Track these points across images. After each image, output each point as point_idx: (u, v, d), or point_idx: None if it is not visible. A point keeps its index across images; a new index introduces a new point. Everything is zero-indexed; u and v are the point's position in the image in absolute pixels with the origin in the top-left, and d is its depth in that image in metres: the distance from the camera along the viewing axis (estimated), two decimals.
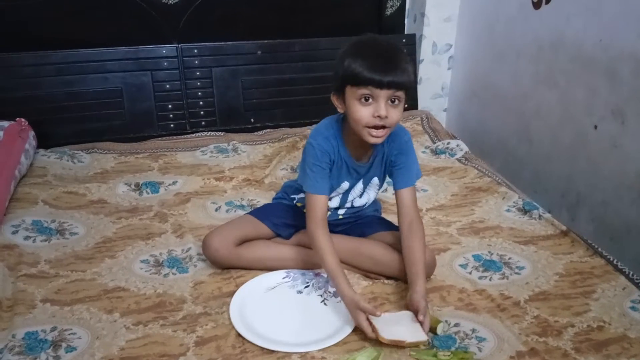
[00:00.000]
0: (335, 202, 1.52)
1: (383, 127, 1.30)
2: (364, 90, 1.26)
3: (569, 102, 1.99)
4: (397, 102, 1.28)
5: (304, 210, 1.53)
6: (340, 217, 1.55)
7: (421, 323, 1.22)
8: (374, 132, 1.30)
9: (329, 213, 1.52)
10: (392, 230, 1.51)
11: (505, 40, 2.29)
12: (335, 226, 1.54)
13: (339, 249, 1.43)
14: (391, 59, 1.27)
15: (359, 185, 1.49)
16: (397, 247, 1.42)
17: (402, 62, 1.28)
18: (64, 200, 1.79)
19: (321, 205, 1.38)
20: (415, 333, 1.21)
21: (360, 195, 1.52)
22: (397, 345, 1.18)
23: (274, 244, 1.50)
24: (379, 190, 1.54)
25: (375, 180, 1.49)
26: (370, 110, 1.27)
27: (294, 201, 1.59)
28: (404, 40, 2.53)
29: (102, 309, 1.31)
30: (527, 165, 2.24)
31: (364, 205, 1.54)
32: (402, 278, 1.41)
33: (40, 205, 1.73)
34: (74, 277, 1.43)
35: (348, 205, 1.53)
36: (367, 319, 1.21)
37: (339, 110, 1.36)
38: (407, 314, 1.27)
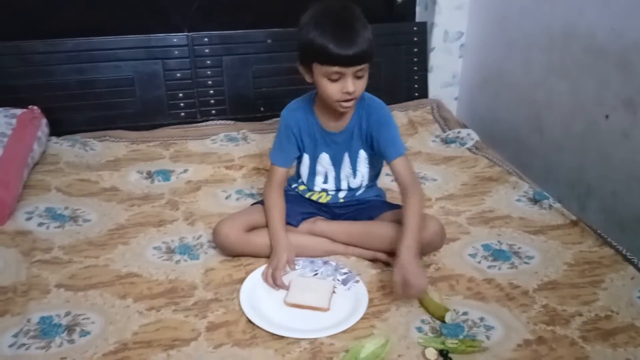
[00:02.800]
0: (331, 184, 1.55)
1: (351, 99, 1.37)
2: (333, 69, 1.32)
3: (581, 92, 1.97)
4: (362, 74, 1.35)
5: (306, 196, 1.56)
6: (342, 200, 1.57)
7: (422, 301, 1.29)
8: (344, 104, 1.38)
9: (330, 197, 1.57)
10: (398, 209, 1.52)
11: (517, 29, 2.27)
12: (340, 208, 1.57)
13: (349, 232, 1.47)
14: (353, 33, 1.30)
15: (346, 158, 1.51)
16: None
17: (363, 33, 1.31)
18: (77, 187, 1.81)
19: (278, 175, 1.52)
20: (319, 299, 1.31)
21: (354, 174, 1.53)
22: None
23: None
24: (369, 166, 1.54)
25: (363, 153, 1.51)
26: (339, 87, 1.34)
27: (295, 189, 1.61)
28: (414, 28, 2.52)
29: (115, 295, 1.33)
30: (537, 155, 2.23)
31: (360, 186, 1.56)
32: None
33: (53, 192, 1.75)
34: (87, 263, 1.45)
35: (344, 186, 1.55)
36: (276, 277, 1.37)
37: (306, 79, 1.41)
38: (327, 284, 1.37)
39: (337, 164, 1.53)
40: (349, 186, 1.56)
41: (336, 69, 1.31)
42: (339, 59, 1.30)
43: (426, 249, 1.46)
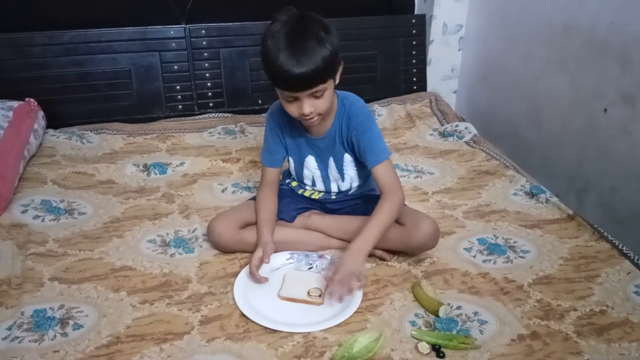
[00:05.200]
0: (320, 186, 1.55)
1: (313, 117, 1.33)
2: (287, 94, 1.29)
3: (580, 86, 1.96)
4: (320, 94, 1.29)
5: (299, 192, 1.56)
6: (334, 197, 1.56)
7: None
8: (307, 122, 1.36)
9: (321, 194, 1.56)
10: None
11: (517, 22, 2.26)
12: (333, 204, 1.56)
13: (343, 228, 1.47)
14: (303, 56, 1.22)
15: (331, 163, 1.49)
16: (400, 221, 1.42)
17: (317, 55, 1.22)
18: (73, 180, 1.81)
19: (269, 175, 1.51)
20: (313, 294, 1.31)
21: (342, 178, 1.52)
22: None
23: (278, 227, 1.50)
24: (356, 168, 1.51)
25: (348, 157, 1.48)
26: (297, 107, 1.31)
27: (289, 185, 1.61)
28: (413, 21, 2.50)
29: (109, 288, 1.33)
30: (536, 149, 2.22)
31: (350, 189, 1.55)
32: (407, 251, 1.44)
33: (49, 185, 1.75)
34: (82, 256, 1.45)
35: (334, 189, 1.54)
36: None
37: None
38: (322, 278, 1.35)
39: (323, 168, 1.51)
40: (339, 189, 1.54)
41: (288, 93, 1.28)
42: (290, 87, 1.26)
43: (418, 250, 1.44)
